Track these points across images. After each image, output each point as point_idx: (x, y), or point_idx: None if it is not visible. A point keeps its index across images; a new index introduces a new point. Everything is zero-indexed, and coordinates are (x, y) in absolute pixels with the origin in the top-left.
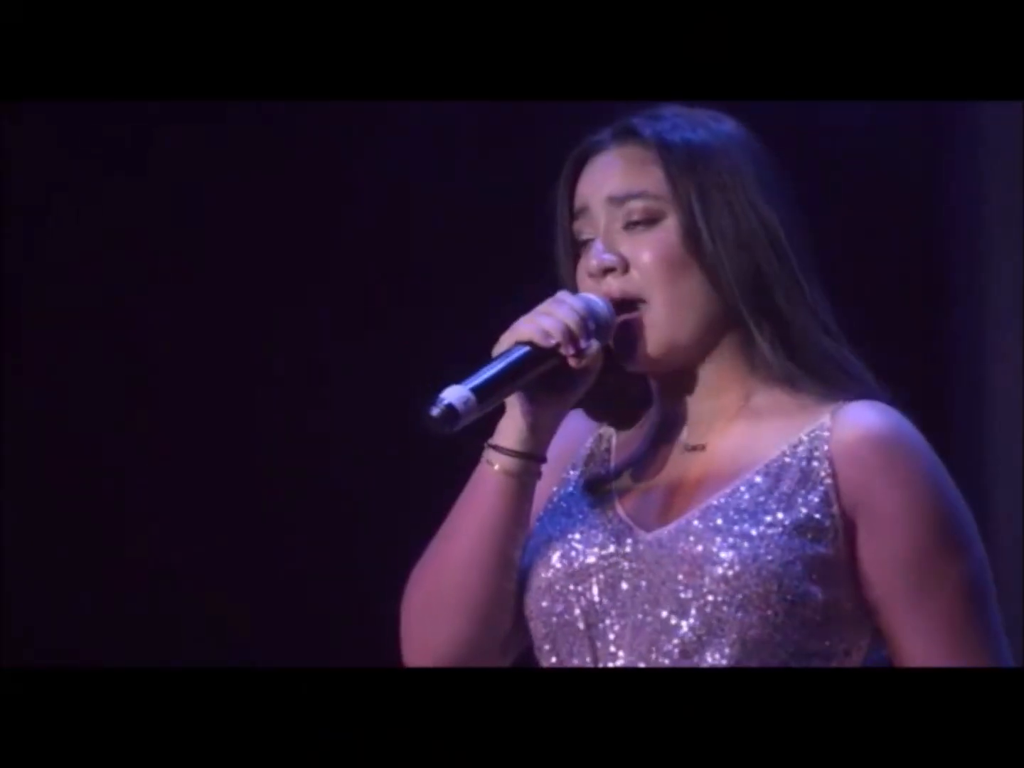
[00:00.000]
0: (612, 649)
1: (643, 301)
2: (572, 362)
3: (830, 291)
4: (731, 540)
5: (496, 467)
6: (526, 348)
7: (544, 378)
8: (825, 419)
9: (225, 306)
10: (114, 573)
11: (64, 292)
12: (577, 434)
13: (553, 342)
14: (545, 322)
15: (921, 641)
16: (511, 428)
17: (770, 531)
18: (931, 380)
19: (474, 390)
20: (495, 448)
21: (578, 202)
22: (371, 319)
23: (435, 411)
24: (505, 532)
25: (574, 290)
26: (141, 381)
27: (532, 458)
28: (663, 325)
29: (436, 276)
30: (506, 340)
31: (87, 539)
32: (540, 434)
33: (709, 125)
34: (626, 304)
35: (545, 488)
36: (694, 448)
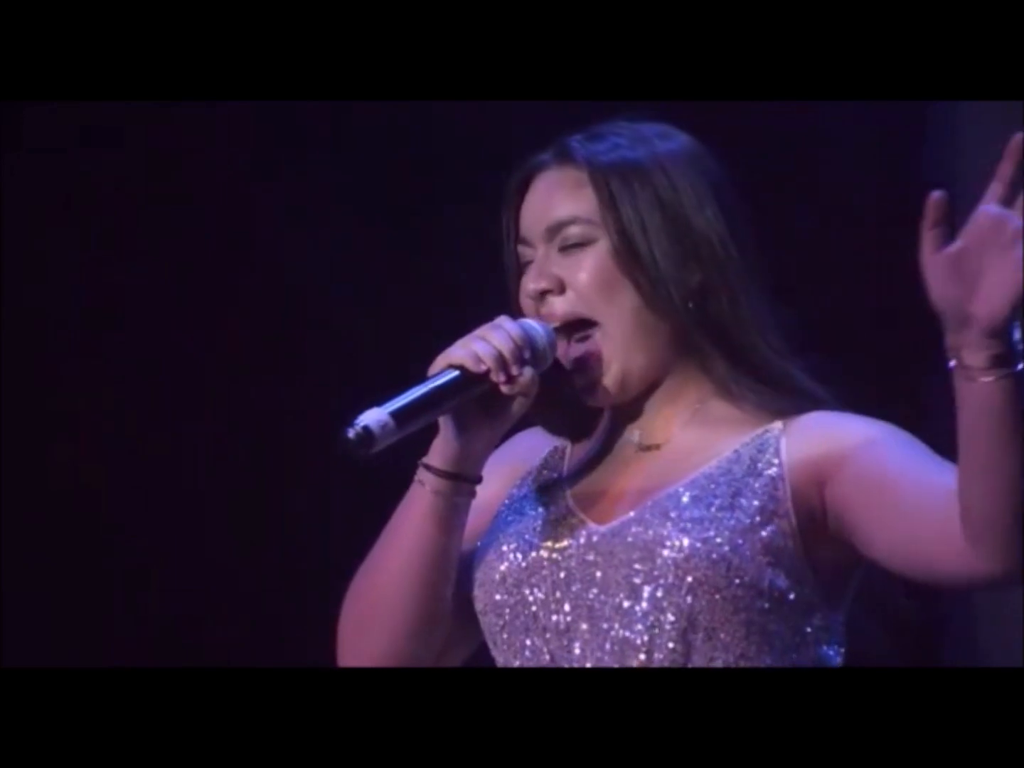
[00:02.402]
0: (566, 641)
1: (589, 321)
2: (504, 388)
3: (794, 302)
4: (681, 525)
5: (427, 487)
6: (456, 372)
7: (478, 401)
8: (778, 424)
9: (212, 308)
10: (111, 574)
11: (53, 293)
12: (533, 448)
13: (484, 368)
14: (478, 347)
15: (924, 481)
16: (442, 449)
17: (719, 515)
18: (905, 380)
19: (393, 414)
20: (427, 467)
21: (521, 227)
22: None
23: (351, 433)
24: (435, 552)
25: (522, 310)
26: (139, 384)
27: (463, 479)
28: (616, 355)
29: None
30: (439, 363)
31: (83, 540)
32: (472, 456)
33: (652, 142)
34: (572, 326)
35: (498, 497)
36: (648, 448)
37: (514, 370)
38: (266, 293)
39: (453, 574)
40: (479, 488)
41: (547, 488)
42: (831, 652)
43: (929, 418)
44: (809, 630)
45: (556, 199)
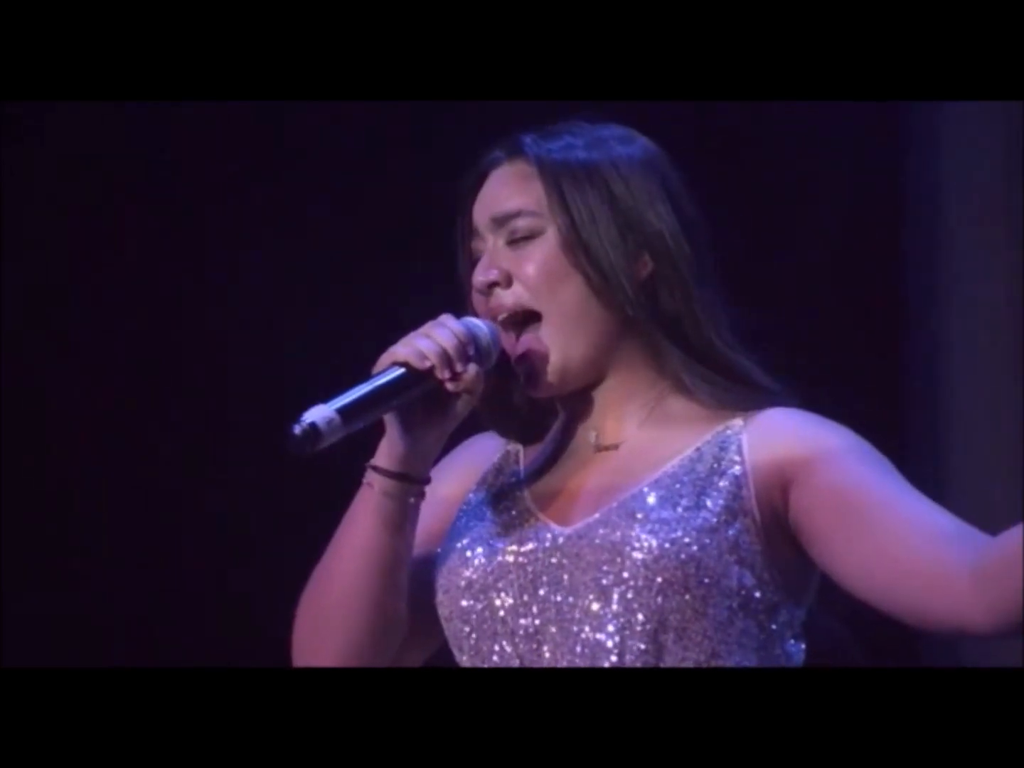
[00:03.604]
0: (535, 644)
1: (536, 314)
2: (449, 386)
3: (770, 309)
4: (649, 526)
5: (375, 488)
6: (401, 369)
7: (423, 400)
8: (738, 421)
9: (198, 307)
10: (111, 575)
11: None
12: (485, 452)
13: (428, 364)
14: (422, 344)
15: (900, 508)
16: (389, 449)
17: (686, 515)
18: (886, 389)
19: (339, 410)
20: (374, 469)
21: (473, 220)
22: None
23: (297, 430)
24: (387, 554)
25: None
26: (137, 383)
27: (411, 480)
28: (556, 343)
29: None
30: (383, 360)
31: (83, 541)
32: (419, 456)
33: (609, 145)
34: (517, 319)
35: (453, 500)
36: (606, 448)
37: (458, 367)
38: (259, 293)
39: (406, 576)
40: (434, 489)
41: (505, 492)
42: (794, 648)
43: (907, 419)
44: (775, 627)
45: (505, 192)
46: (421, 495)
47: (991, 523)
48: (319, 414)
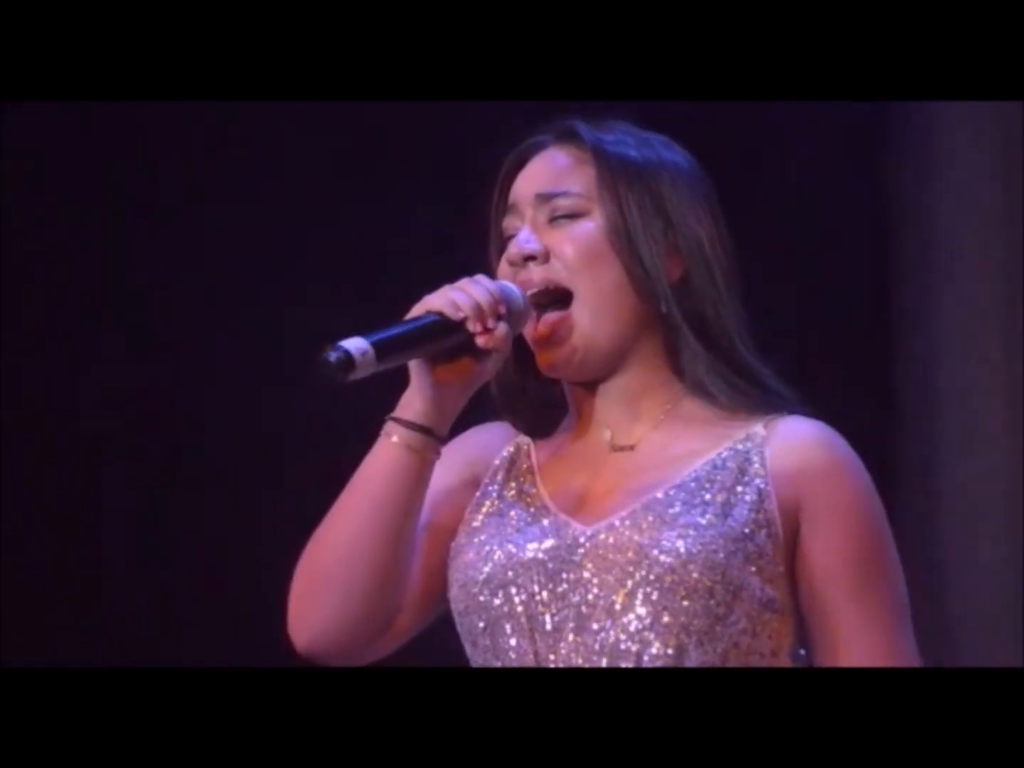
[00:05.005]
0: (552, 642)
1: (566, 293)
2: (479, 340)
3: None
4: (677, 531)
5: (394, 439)
6: (434, 317)
7: (452, 352)
8: (758, 428)
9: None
10: (110, 575)
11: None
12: (494, 441)
13: (461, 315)
14: (456, 296)
15: (859, 637)
16: (413, 401)
17: (715, 521)
18: (883, 390)
19: (374, 344)
20: (395, 420)
21: (511, 196)
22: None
23: (332, 356)
24: (397, 509)
25: None
26: (135, 382)
27: (431, 434)
28: (584, 324)
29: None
30: (416, 309)
31: (83, 541)
32: (442, 411)
33: (657, 148)
34: (544, 298)
35: (458, 489)
36: (622, 448)
37: (490, 323)
38: (258, 292)
39: (413, 536)
40: (443, 472)
41: (520, 487)
42: (802, 653)
43: (905, 420)
44: (788, 635)
45: (553, 172)
46: (437, 453)
47: (990, 526)
48: (354, 344)
